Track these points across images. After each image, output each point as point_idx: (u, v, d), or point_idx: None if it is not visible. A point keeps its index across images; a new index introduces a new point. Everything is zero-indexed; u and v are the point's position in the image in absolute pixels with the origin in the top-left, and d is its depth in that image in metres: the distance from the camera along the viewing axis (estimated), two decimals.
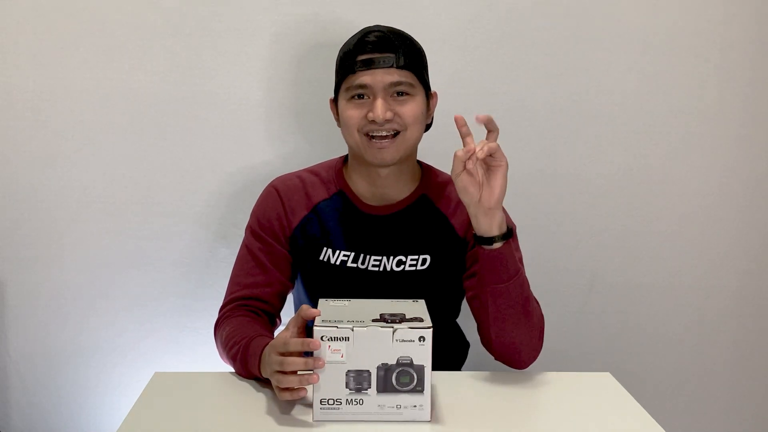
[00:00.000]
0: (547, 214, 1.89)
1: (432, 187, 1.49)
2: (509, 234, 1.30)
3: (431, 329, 1.10)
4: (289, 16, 1.78)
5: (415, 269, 1.44)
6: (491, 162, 1.26)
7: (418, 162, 1.51)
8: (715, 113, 1.89)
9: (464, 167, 1.26)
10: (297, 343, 1.13)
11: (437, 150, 1.60)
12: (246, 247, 1.48)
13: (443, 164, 1.54)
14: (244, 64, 1.79)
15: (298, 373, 1.13)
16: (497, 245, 1.29)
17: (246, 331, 1.33)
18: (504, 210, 1.48)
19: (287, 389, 1.15)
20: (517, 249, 1.46)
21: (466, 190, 1.27)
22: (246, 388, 1.28)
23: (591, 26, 1.83)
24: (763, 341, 2.02)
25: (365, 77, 1.35)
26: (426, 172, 1.51)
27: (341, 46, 1.43)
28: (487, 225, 1.28)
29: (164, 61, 1.78)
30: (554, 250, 1.91)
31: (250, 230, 1.49)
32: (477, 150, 1.24)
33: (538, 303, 1.38)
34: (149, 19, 1.76)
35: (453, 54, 1.80)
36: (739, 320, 2.00)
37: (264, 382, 1.26)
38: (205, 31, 1.77)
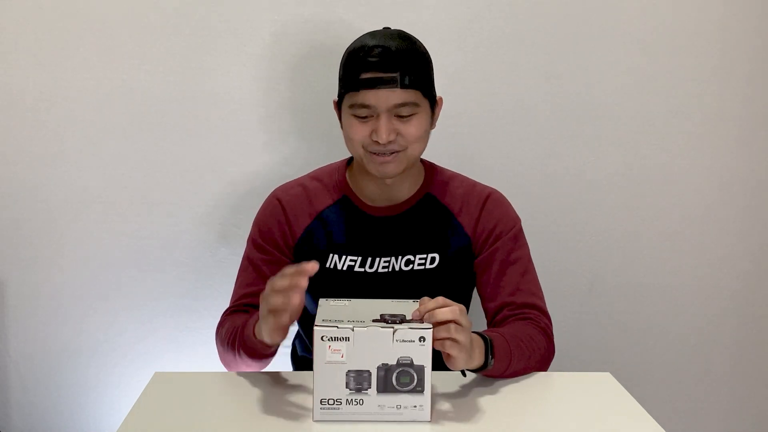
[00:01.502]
0: (547, 214, 1.90)
1: (436, 184, 1.49)
2: (488, 363, 1.24)
3: (431, 329, 1.10)
4: (289, 16, 1.78)
5: (424, 268, 1.44)
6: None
7: (421, 161, 1.51)
8: (715, 113, 1.89)
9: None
10: (290, 270, 1.11)
11: (438, 150, 1.60)
12: (248, 259, 1.48)
13: (443, 164, 1.55)
14: (244, 64, 1.79)
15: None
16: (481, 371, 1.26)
17: (244, 318, 1.35)
18: (509, 205, 1.49)
19: (274, 312, 1.13)
20: (524, 245, 1.47)
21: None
22: (246, 388, 1.28)
23: (591, 26, 1.83)
24: (763, 341, 2.02)
25: (369, 97, 1.32)
26: (429, 170, 1.50)
27: (346, 48, 1.39)
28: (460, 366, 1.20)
29: (164, 61, 1.78)
30: (554, 250, 1.91)
31: (252, 241, 1.48)
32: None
33: (539, 339, 1.36)
34: (149, 19, 1.76)
35: (453, 54, 1.80)
36: (739, 320, 2.00)
37: (265, 382, 1.26)
38: (205, 31, 1.77)
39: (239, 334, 1.31)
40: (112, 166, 1.82)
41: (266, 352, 1.29)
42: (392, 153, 1.35)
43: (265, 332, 1.19)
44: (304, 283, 1.11)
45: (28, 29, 1.76)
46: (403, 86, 1.32)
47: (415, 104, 1.34)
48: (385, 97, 1.32)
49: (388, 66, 1.31)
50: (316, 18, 1.78)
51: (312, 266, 1.12)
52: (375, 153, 1.36)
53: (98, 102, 1.79)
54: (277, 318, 1.14)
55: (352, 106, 1.35)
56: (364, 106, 1.33)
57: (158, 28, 1.77)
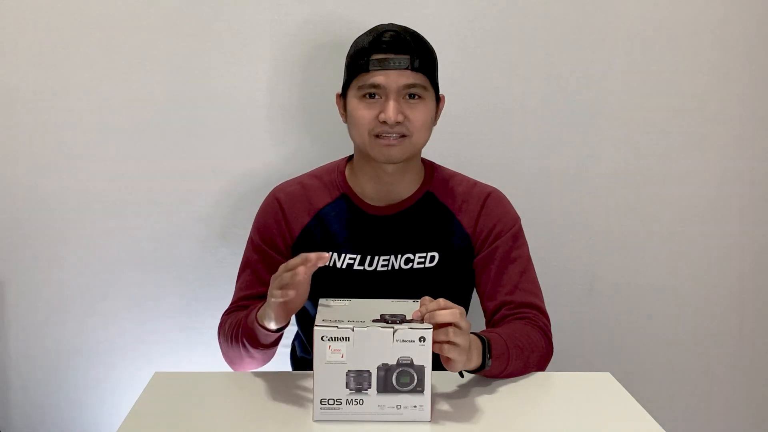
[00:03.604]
0: (547, 214, 1.89)
1: (436, 183, 1.49)
2: (485, 364, 1.25)
3: (431, 330, 1.10)
4: (289, 15, 1.78)
5: (424, 267, 1.45)
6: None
7: (422, 160, 1.51)
8: (715, 113, 1.89)
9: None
10: (297, 259, 1.15)
11: (438, 150, 1.60)
12: (246, 260, 1.49)
13: (443, 164, 1.55)
14: (244, 64, 1.79)
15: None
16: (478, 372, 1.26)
17: (245, 312, 1.36)
18: (509, 204, 1.49)
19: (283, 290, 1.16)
20: (523, 245, 1.47)
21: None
22: (246, 388, 1.28)
23: (591, 26, 1.83)
24: (763, 341, 2.02)
25: (379, 77, 1.35)
26: (429, 169, 1.51)
27: (353, 41, 1.42)
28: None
29: (164, 61, 1.78)
30: (554, 250, 1.91)
31: (251, 242, 1.49)
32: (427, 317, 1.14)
33: (537, 338, 1.36)
34: (149, 19, 1.76)
35: (453, 54, 1.80)
36: (739, 320, 2.00)
37: (265, 382, 1.26)
38: (206, 31, 1.77)
39: (242, 325, 1.32)
40: (112, 166, 1.82)
41: (268, 341, 1.30)
42: (398, 137, 1.36)
43: (270, 309, 1.20)
44: (316, 260, 1.14)
45: (28, 29, 1.76)
46: (413, 69, 1.35)
47: (423, 88, 1.37)
48: (395, 78, 1.35)
49: (399, 48, 1.35)
50: (316, 18, 1.78)
51: (327, 256, 1.15)
52: (380, 136, 1.36)
53: (98, 102, 1.79)
54: (284, 292, 1.16)
55: (360, 88, 1.37)
56: (373, 86, 1.35)
57: (158, 27, 1.77)
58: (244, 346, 1.32)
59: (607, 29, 1.83)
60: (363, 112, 1.37)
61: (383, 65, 1.35)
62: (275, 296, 1.18)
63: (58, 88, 1.78)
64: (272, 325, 1.24)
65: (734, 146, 1.92)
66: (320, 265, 1.15)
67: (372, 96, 1.36)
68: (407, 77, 1.35)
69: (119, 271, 1.85)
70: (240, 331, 1.32)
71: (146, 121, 1.80)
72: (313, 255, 1.14)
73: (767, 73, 1.89)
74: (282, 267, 1.18)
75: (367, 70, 1.35)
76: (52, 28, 1.76)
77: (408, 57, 1.35)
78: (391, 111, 1.34)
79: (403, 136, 1.37)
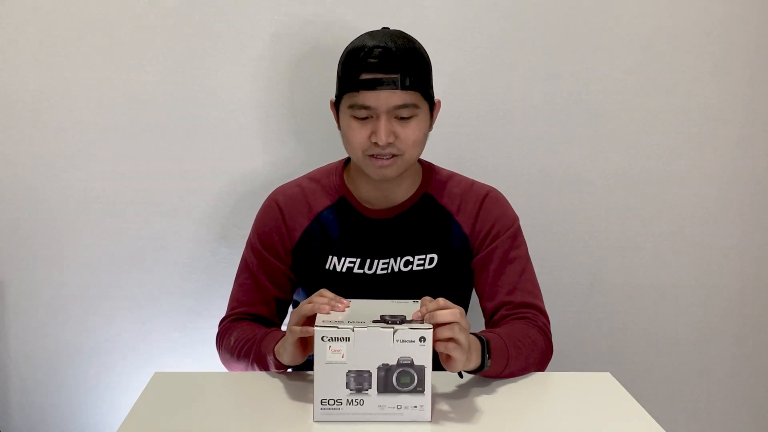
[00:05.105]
0: (547, 215, 1.89)
1: (434, 185, 1.49)
2: (485, 364, 1.24)
3: (431, 330, 1.10)
4: (289, 16, 1.78)
5: (423, 268, 1.44)
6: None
7: (419, 161, 1.50)
8: (715, 113, 1.89)
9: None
10: (330, 294, 1.20)
11: (438, 150, 1.60)
12: (245, 262, 1.49)
13: (443, 164, 1.55)
14: (244, 65, 1.79)
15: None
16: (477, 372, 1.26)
17: (258, 330, 1.37)
18: (507, 204, 1.49)
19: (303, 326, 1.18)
20: (522, 244, 1.47)
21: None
22: (246, 388, 1.28)
23: (591, 26, 1.83)
24: (763, 341, 2.02)
25: (369, 98, 1.31)
26: (427, 170, 1.50)
27: (345, 47, 1.39)
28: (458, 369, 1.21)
29: (164, 61, 1.78)
30: (554, 250, 1.91)
31: (250, 246, 1.49)
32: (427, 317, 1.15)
33: (537, 338, 1.36)
34: (149, 19, 1.76)
35: (453, 54, 1.80)
36: (739, 320, 2.00)
37: (265, 382, 1.26)
38: (205, 31, 1.77)
39: (254, 349, 1.32)
40: (112, 166, 1.82)
41: (279, 370, 1.31)
42: (390, 156, 1.35)
43: (289, 346, 1.21)
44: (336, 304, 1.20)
45: (28, 29, 1.75)
46: (404, 88, 1.31)
47: (415, 106, 1.34)
48: (385, 99, 1.31)
49: (388, 67, 1.30)
50: (316, 18, 1.78)
51: (345, 305, 1.20)
52: (373, 156, 1.35)
53: (98, 102, 1.79)
54: (305, 329, 1.17)
55: (351, 107, 1.34)
56: (363, 107, 1.32)
57: (158, 28, 1.77)
58: (252, 366, 1.33)
59: (607, 29, 1.83)
60: (355, 132, 1.35)
61: (372, 86, 1.30)
62: (294, 332, 1.18)
63: (58, 88, 1.78)
64: (287, 361, 1.25)
65: (734, 146, 1.92)
66: (336, 311, 1.18)
67: (363, 114, 1.33)
68: (398, 97, 1.31)
69: (119, 271, 1.85)
70: (252, 353, 1.33)
71: (146, 121, 1.80)
72: (332, 297, 1.20)
73: (767, 73, 1.89)
74: (304, 302, 1.20)
75: (357, 91, 1.32)
76: (52, 28, 1.76)
77: (398, 76, 1.30)
78: (381, 133, 1.31)
79: (396, 155, 1.35)
